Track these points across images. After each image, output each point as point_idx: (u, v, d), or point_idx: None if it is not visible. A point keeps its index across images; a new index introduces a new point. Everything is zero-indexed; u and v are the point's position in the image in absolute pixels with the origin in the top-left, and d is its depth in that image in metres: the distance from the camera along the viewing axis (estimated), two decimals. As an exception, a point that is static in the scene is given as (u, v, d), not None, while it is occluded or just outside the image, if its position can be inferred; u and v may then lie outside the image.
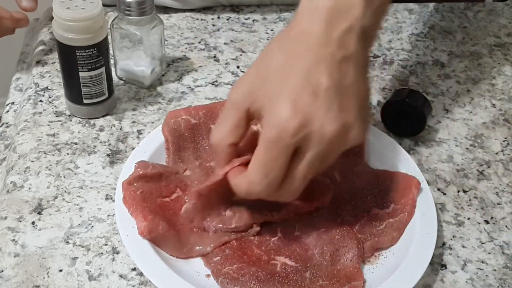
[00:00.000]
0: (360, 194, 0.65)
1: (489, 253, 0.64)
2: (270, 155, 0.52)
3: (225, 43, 0.89)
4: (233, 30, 0.92)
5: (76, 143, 0.72)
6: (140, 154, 0.66)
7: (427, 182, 0.66)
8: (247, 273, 0.57)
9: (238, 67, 0.85)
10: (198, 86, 0.81)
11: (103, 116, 0.75)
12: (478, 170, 0.72)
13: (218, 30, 0.91)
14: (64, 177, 0.68)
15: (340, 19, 0.53)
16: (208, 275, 0.59)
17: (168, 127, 0.68)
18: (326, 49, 0.53)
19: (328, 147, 0.53)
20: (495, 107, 0.81)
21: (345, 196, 0.65)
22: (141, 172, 0.63)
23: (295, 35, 0.55)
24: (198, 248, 0.61)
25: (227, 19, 0.94)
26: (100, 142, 0.72)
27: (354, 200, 0.64)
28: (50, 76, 0.81)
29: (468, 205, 0.68)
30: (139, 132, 0.74)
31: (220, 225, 0.61)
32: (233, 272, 0.58)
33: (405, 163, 0.67)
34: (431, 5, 1.00)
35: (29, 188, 0.67)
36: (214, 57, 0.86)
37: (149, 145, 0.68)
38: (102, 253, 0.61)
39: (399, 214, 0.63)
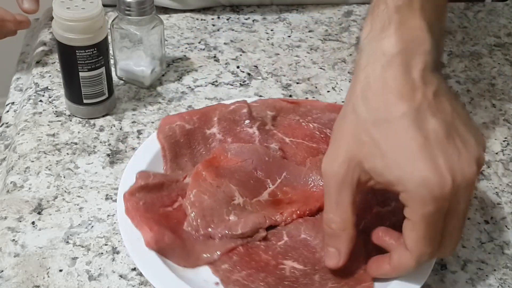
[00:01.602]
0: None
1: (489, 253, 0.64)
2: (432, 227, 0.50)
3: (225, 43, 0.89)
4: (233, 30, 0.92)
5: (76, 143, 0.72)
6: (139, 162, 0.65)
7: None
8: (256, 279, 0.57)
9: (238, 67, 0.85)
10: (198, 86, 0.81)
11: (103, 116, 0.75)
12: (478, 170, 0.72)
13: (218, 30, 0.91)
14: (64, 177, 0.68)
15: (415, 58, 0.51)
16: (216, 283, 0.58)
17: (163, 134, 0.67)
18: (416, 93, 0.50)
19: (472, 187, 0.51)
20: (495, 107, 0.81)
21: None
22: (142, 183, 0.62)
23: (378, 89, 0.51)
24: (205, 256, 0.59)
25: (227, 19, 0.94)
26: (100, 142, 0.72)
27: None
28: (50, 76, 0.81)
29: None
30: (139, 132, 0.74)
31: (226, 231, 0.60)
32: (242, 279, 0.57)
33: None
34: (431, 5, 0.99)
35: (29, 188, 0.67)
36: (214, 57, 0.86)
37: (146, 152, 0.67)
38: (102, 253, 0.61)
39: (401, 213, 0.61)
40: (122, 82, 0.81)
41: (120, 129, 0.74)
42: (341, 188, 0.52)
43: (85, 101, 0.73)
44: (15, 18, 0.78)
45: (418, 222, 0.50)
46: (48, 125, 0.74)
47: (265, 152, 0.67)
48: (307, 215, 0.63)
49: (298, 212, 0.62)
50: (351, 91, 0.54)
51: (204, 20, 0.93)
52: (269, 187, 0.65)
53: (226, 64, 0.85)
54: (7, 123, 0.77)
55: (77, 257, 0.60)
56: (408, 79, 0.51)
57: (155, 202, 0.62)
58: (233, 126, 0.69)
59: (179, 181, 0.65)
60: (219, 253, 0.59)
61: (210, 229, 0.60)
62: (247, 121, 0.69)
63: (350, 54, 0.89)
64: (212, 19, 0.93)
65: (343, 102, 0.80)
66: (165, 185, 0.63)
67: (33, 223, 0.63)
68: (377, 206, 0.63)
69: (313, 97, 0.79)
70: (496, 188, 0.70)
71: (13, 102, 0.80)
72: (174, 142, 0.67)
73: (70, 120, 0.75)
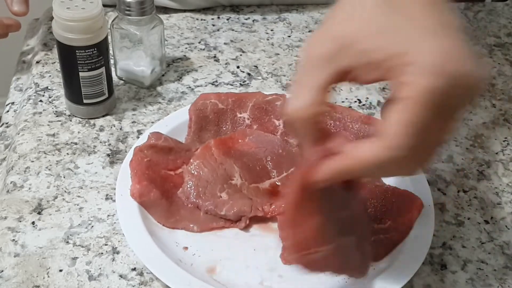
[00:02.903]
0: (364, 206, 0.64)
1: (489, 253, 0.64)
2: (429, 113, 0.41)
3: (225, 43, 0.89)
4: (233, 30, 0.92)
5: (76, 143, 0.72)
6: (161, 127, 0.70)
7: (428, 182, 0.66)
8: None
9: (238, 67, 0.85)
10: (198, 86, 0.81)
11: (103, 116, 0.75)
12: (478, 170, 0.72)
13: (218, 30, 0.91)
14: (64, 177, 0.68)
15: None
16: (185, 248, 0.61)
17: (195, 107, 0.71)
18: None
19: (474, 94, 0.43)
20: (495, 107, 0.81)
21: None
22: (152, 141, 0.66)
23: None
24: (185, 222, 0.62)
25: (227, 19, 0.94)
26: (100, 142, 0.72)
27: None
28: (50, 76, 0.81)
29: (468, 205, 0.68)
30: (139, 132, 0.74)
31: (211, 207, 0.63)
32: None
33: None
34: (431, 5, 0.99)
35: (29, 188, 0.67)
36: (214, 57, 0.86)
37: (172, 121, 0.71)
38: (102, 253, 0.61)
39: (392, 232, 0.62)
40: (122, 82, 0.81)
41: (120, 129, 0.74)
42: (317, 66, 0.44)
43: (85, 101, 0.73)
44: (2, 22, 0.78)
45: (417, 98, 0.41)
46: (48, 125, 0.74)
47: (281, 144, 0.68)
48: None
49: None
50: None
51: (204, 20, 0.93)
52: (273, 178, 0.66)
53: (226, 64, 0.85)
54: (7, 123, 0.77)
55: (77, 257, 0.60)
56: None
57: (160, 163, 0.65)
58: (263, 115, 0.71)
59: (190, 150, 0.67)
60: (199, 227, 0.62)
61: (199, 200, 0.63)
62: (276, 113, 0.71)
63: (350, 54, 0.88)
64: (212, 19, 0.93)
65: (343, 102, 0.80)
66: (174, 150, 0.66)
67: (33, 223, 0.63)
68: (373, 221, 0.63)
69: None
70: (496, 188, 0.70)
71: (13, 102, 0.80)
72: (203, 116, 0.70)
73: (70, 120, 0.75)
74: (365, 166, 0.44)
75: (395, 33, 0.42)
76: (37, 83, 0.80)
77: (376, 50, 0.42)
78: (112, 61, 0.77)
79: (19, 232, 0.62)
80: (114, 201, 0.65)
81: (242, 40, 0.90)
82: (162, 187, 0.63)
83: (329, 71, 0.44)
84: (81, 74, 0.71)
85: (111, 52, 0.76)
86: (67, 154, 0.71)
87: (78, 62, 0.70)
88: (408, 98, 0.41)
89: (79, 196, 0.66)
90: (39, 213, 0.64)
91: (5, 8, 0.79)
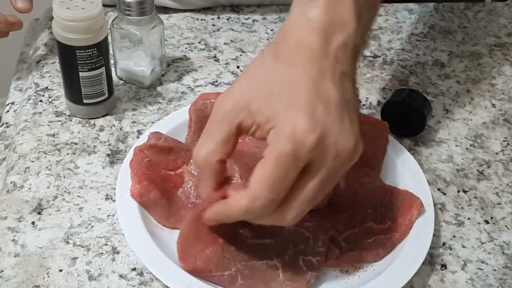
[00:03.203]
0: (361, 205, 0.64)
1: (489, 253, 0.64)
2: (281, 170, 0.49)
3: (225, 43, 0.89)
4: (233, 30, 0.92)
5: (76, 143, 0.72)
6: (161, 127, 0.70)
7: (427, 182, 0.66)
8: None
9: (238, 67, 0.85)
10: (198, 86, 0.81)
11: (103, 116, 0.75)
12: (478, 170, 0.72)
13: (218, 30, 0.91)
14: (64, 177, 0.68)
15: (336, 34, 0.52)
16: None
17: (195, 107, 0.71)
18: (326, 61, 0.51)
19: (342, 163, 0.50)
20: (495, 107, 0.81)
21: (344, 204, 0.64)
22: (152, 142, 0.65)
23: (293, 46, 0.52)
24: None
25: (227, 19, 0.94)
26: (100, 142, 0.72)
27: (352, 210, 0.64)
28: (50, 76, 0.81)
29: (468, 205, 0.68)
30: (139, 132, 0.74)
31: None
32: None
33: (406, 163, 0.68)
34: (431, 5, 1.00)
35: (29, 188, 0.67)
36: (214, 57, 0.86)
37: (172, 120, 0.71)
38: (102, 253, 0.61)
39: (392, 232, 0.62)
40: (122, 82, 0.81)
41: (120, 129, 0.74)
42: (222, 122, 0.52)
43: (85, 101, 0.73)
44: (6, 19, 0.78)
45: (270, 159, 0.49)
46: (48, 125, 0.74)
47: None
48: None
49: None
50: (270, 46, 0.54)
51: (204, 20, 0.93)
52: None
53: (226, 64, 0.85)
54: (7, 123, 0.77)
55: (77, 257, 0.60)
56: (323, 48, 0.51)
57: (160, 163, 0.65)
58: None
59: (190, 150, 0.66)
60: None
61: (199, 200, 0.63)
62: None
63: (350, 54, 0.89)
64: (212, 19, 0.93)
65: (343, 102, 0.80)
66: (174, 150, 0.66)
67: (33, 223, 0.63)
68: (372, 222, 0.63)
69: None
70: (496, 188, 0.70)
71: (13, 102, 0.80)
72: (203, 116, 0.70)
73: (70, 120, 0.75)
74: (236, 212, 0.52)
75: (274, 101, 0.50)
76: (37, 83, 0.80)
77: (259, 113, 0.50)
78: (112, 61, 0.77)
79: (19, 232, 0.62)
80: (114, 201, 0.65)
81: (242, 40, 0.90)
82: (162, 187, 0.63)
83: (228, 127, 0.51)
84: (81, 74, 0.71)
85: (111, 52, 0.76)
86: (67, 154, 0.71)
87: (78, 62, 0.70)
88: (266, 156, 0.49)
89: (79, 196, 0.66)
90: (39, 213, 0.64)
91: (5, 7, 0.79)
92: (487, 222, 0.67)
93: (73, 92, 0.73)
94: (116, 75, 0.80)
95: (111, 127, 0.74)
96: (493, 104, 0.81)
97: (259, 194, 0.49)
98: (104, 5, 0.71)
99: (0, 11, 0.78)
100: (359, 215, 0.63)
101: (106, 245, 0.62)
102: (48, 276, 0.59)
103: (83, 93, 0.73)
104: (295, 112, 0.49)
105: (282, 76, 0.51)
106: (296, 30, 0.53)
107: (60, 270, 0.59)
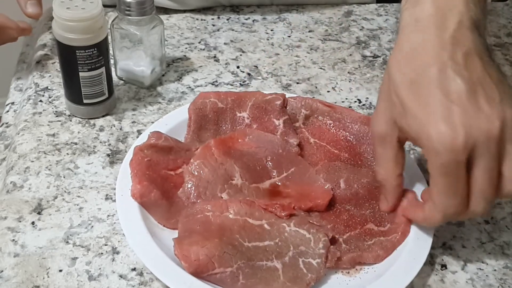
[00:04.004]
0: (360, 206, 0.64)
1: (489, 253, 0.64)
2: (450, 178, 0.53)
3: (225, 43, 0.89)
4: (233, 30, 0.92)
5: (76, 143, 0.72)
6: (161, 126, 0.70)
7: (427, 183, 0.66)
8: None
9: (238, 67, 0.85)
10: (198, 86, 0.81)
11: (103, 116, 0.75)
12: (478, 170, 0.72)
13: (218, 30, 0.91)
14: (64, 177, 0.68)
15: (447, 19, 0.53)
16: None
17: (194, 106, 0.71)
18: (444, 54, 0.53)
19: (495, 143, 0.52)
20: (495, 107, 0.81)
21: (345, 205, 0.64)
22: (152, 141, 0.65)
23: (409, 53, 0.55)
24: None
25: (227, 19, 0.94)
26: (100, 142, 0.72)
27: (352, 211, 0.64)
28: (50, 76, 0.81)
29: (468, 205, 0.68)
30: (139, 132, 0.74)
31: None
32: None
33: (406, 163, 0.68)
34: (431, 5, 0.99)
35: (29, 188, 0.67)
36: (214, 57, 0.86)
37: (172, 120, 0.71)
38: (102, 253, 0.61)
39: (392, 233, 0.62)
40: (122, 82, 0.81)
41: (120, 129, 0.74)
42: (383, 144, 0.59)
43: (85, 101, 0.73)
44: (17, 25, 0.78)
45: (435, 174, 0.53)
46: (48, 125, 0.74)
47: (281, 144, 0.68)
48: (294, 210, 0.62)
49: (288, 209, 0.62)
50: (390, 57, 0.57)
51: (204, 20, 0.93)
52: (273, 178, 0.66)
53: (226, 64, 0.85)
54: (7, 123, 0.77)
55: (77, 257, 0.60)
56: (438, 41, 0.53)
57: (160, 162, 0.65)
58: (263, 114, 0.71)
59: (190, 150, 0.67)
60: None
61: (199, 200, 0.63)
62: (276, 113, 0.71)
63: (350, 54, 0.89)
64: (212, 19, 0.93)
65: (343, 102, 0.80)
66: (174, 150, 0.66)
67: (33, 223, 0.63)
68: (372, 223, 0.63)
69: (313, 97, 0.79)
70: (496, 188, 0.70)
71: (13, 102, 0.80)
72: (202, 115, 0.70)
73: (70, 120, 0.75)
74: (435, 224, 0.59)
75: (410, 117, 0.54)
76: (37, 83, 0.80)
77: (405, 131, 0.55)
78: (112, 61, 0.77)
79: (19, 232, 0.62)
80: (114, 201, 0.65)
81: (242, 40, 0.90)
82: (162, 187, 0.63)
83: (390, 145, 0.58)
84: (81, 74, 0.71)
85: (111, 52, 0.76)
86: (67, 154, 0.71)
87: (78, 62, 0.70)
88: (431, 173, 0.54)
89: (79, 196, 0.66)
90: (39, 213, 0.64)
91: (13, 10, 0.79)
92: (487, 222, 0.67)
93: (73, 92, 0.73)
94: (116, 75, 0.80)
95: (111, 127, 0.74)
96: (493, 104, 0.81)
97: (446, 205, 0.54)
98: (104, 5, 0.71)
99: (8, 15, 0.78)
100: (359, 217, 0.63)
101: (106, 245, 0.62)
102: (48, 276, 0.59)
103: (83, 93, 0.73)
104: (431, 125, 0.52)
105: (407, 89, 0.54)
106: (409, 36, 0.55)
107: (60, 270, 0.59)
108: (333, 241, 0.61)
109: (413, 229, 0.62)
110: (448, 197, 0.54)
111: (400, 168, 0.60)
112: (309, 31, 0.92)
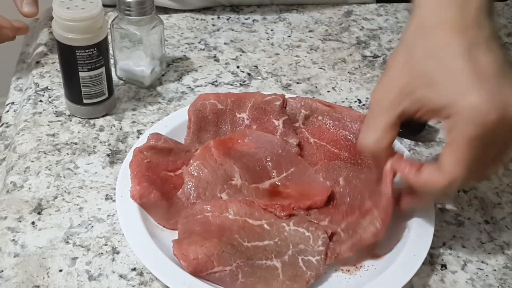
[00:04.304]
0: (361, 197, 0.64)
1: (489, 253, 0.64)
2: (474, 151, 0.51)
3: (225, 43, 0.89)
4: (233, 30, 0.92)
5: (76, 143, 0.72)
6: (161, 127, 0.70)
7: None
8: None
9: (238, 67, 0.85)
10: (198, 86, 0.81)
11: (103, 116, 0.75)
12: (478, 170, 0.72)
13: (218, 30, 0.91)
14: (64, 177, 0.68)
15: (468, 3, 0.53)
16: None
17: (194, 107, 0.71)
18: (470, 32, 0.53)
19: None
20: (495, 107, 0.81)
21: (344, 199, 0.64)
22: (152, 143, 0.65)
23: (433, 26, 0.54)
24: None
25: (227, 19, 0.94)
26: (100, 142, 0.72)
27: (352, 201, 0.64)
28: (50, 76, 0.81)
29: (468, 205, 0.68)
30: (139, 132, 0.74)
31: None
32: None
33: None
34: (431, 5, 0.99)
35: (29, 188, 0.67)
36: (214, 57, 0.86)
37: (171, 121, 0.71)
38: (102, 253, 0.61)
39: (383, 201, 0.60)
40: (122, 82, 0.81)
41: (120, 129, 0.74)
42: (383, 111, 0.56)
43: (85, 101, 0.73)
44: (12, 25, 0.78)
45: (462, 143, 0.52)
46: (48, 125, 0.74)
47: (280, 144, 0.68)
48: (293, 210, 0.62)
49: (286, 208, 0.62)
50: (405, 31, 0.56)
51: (204, 20, 0.93)
52: (273, 178, 0.66)
53: (226, 64, 0.85)
54: (7, 123, 0.77)
55: (77, 257, 0.60)
56: (462, 19, 0.53)
57: (160, 164, 0.65)
58: (262, 115, 0.71)
59: (190, 151, 0.67)
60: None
61: (199, 201, 0.63)
62: (276, 113, 0.71)
63: (350, 54, 0.89)
64: (212, 19, 0.93)
65: (343, 102, 0.80)
66: (173, 152, 0.66)
67: (33, 223, 0.63)
68: (369, 201, 0.62)
69: (313, 97, 0.79)
70: (496, 188, 0.70)
71: (13, 102, 0.80)
72: (202, 117, 0.70)
73: (70, 120, 0.75)
74: (433, 189, 0.55)
75: (441, 87, 0.52)
76: (37, 83, 0.80)
77: (428, 101, 0.53)
78: (112, 61, 0.77)
79: (19, 232, 0.62)
80: (114, 201, 0.65)
81: (242, 40, 0.90)
82: (162, 188, 0.63)
83: (392, 114, 0.55)
84: (81, 74, 0.71)
85: (111, 52, 0.76)
86: (67, 154, 0.71)
87: (78, 62, 0.70)
88: (456, 140, 0.52)
89: (79, 196, 0.66)
90: (39, 213, 0.64)
91: (10, 11, 0.79)
92: (487, 222, 0.67)
93: (73, 92, 0.73)
94: (116, 75, 0.80)
95: (111, 127, 0.74)
96: (493, 104, 0.81)
97: (456, 176, 0.52)
98: (104, 5, 0.71)
99: (5, 15, 0.78)
100: (358, 204, 0.63)
101: (106, 245, 0.62)
102: (48, 276, 0.59)
103: (83, 93, 0.73)
104: (470, 93, 0.51)
105: (433, 60, 0.53)
106: (430, 11, 0.55)
107: (60, 270, 0.59)
108: (332, 236, 0.60)
109: (413, 227, 0.62)
110: (464, 169, 0.52)
111: (392, 139, 0.56)
112: (309, 31, 0.92)
